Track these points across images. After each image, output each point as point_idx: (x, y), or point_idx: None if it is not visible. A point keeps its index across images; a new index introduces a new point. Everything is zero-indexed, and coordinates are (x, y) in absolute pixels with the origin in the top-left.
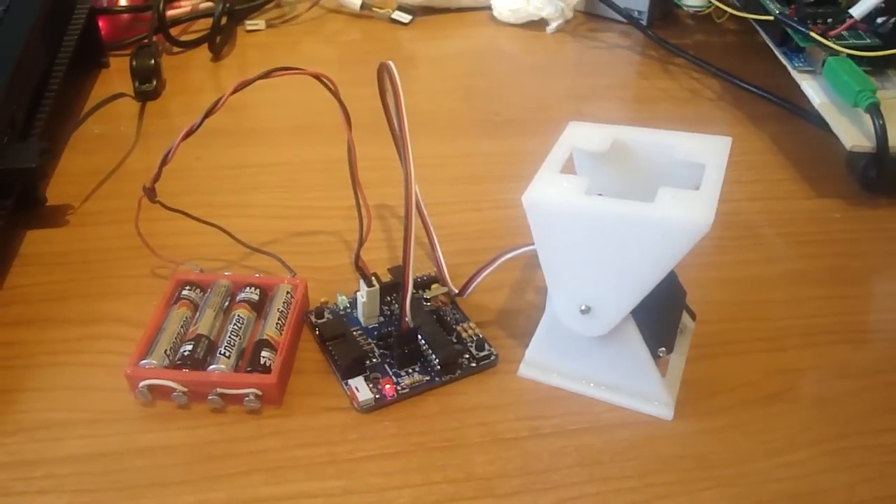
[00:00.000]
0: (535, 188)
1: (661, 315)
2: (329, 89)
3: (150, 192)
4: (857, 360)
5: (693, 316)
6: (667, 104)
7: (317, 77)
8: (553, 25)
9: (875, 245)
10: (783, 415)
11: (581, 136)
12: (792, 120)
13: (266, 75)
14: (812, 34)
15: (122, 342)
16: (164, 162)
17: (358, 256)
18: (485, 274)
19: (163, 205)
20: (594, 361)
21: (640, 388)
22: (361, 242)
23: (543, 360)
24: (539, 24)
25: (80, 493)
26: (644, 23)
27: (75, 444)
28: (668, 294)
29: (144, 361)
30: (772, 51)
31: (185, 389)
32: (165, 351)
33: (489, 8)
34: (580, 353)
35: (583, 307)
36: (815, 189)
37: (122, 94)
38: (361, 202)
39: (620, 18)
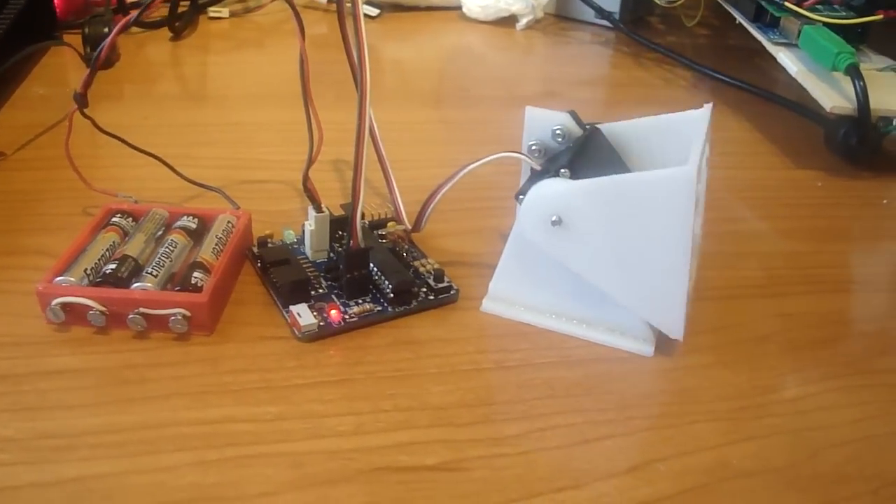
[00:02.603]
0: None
1: None
2: None
3: (81, 99)
4: (849, 307)
5: None
6: (640, 89)
7: None
8: (523, 22)
9: (859, 210)
10: (775, 355)
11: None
12: (768, 106)
13: None
14: (787, 4)
15: (40, 272)
16: (97, 61)
17: (306, 177)
18: (444, 189)
19: (95, 123)
20: (566, 291)
21: (617, 321)
22: (311, 161)
23: (509, 293)
24: (509, 22)
25: None
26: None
27: None
28: None
29: (60, 279)
30: (745, 51)
31: (104, 309)
32: (86, 270)
33: (459, 8)
34: (549, 282)
35: (554, 217)
36: (795, 162)
37: (61, 42)
38: (313, 118)
39: (592, 20)
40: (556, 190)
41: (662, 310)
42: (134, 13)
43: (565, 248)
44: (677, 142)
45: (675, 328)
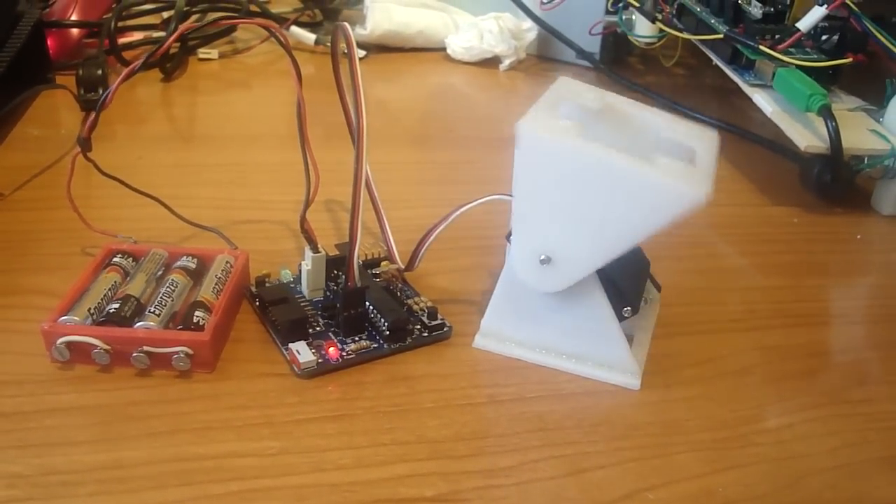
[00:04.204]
0: (533, 119)
1: (625, 275)
2: (278, 41)
3: (85, 143)
4: (826, 340)
5: (658, 287)
6: None
7: (265, 27)
8: (506, 63)
9: (834, 245)
10: (756, 386)
11: (573, 90)
12: (745, 144)
13: (216, 22)
14: (761, 47)
15: (42, 311)
16: (102, 106)
17: (304, 219)
18: (438, 230)
19: (97, 166)
20: (555, 327)
21: (605, 355)
22: (308, 203)
23: (500, 329)
24: (493, 63)
25: None
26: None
27: None
28: (632, 258)
29: (64, 318)
30: (721, 91)
31: (108, 347)
32: (89, 310)
33: (443, 49)
34: (540, 319)
35: (542, 257)
36: (772, 199)
37: (57, 85)
38: (310, 161)
39: (573, 61)
40: (545, 232)
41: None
42: (138, 62)
43: (559, 280)
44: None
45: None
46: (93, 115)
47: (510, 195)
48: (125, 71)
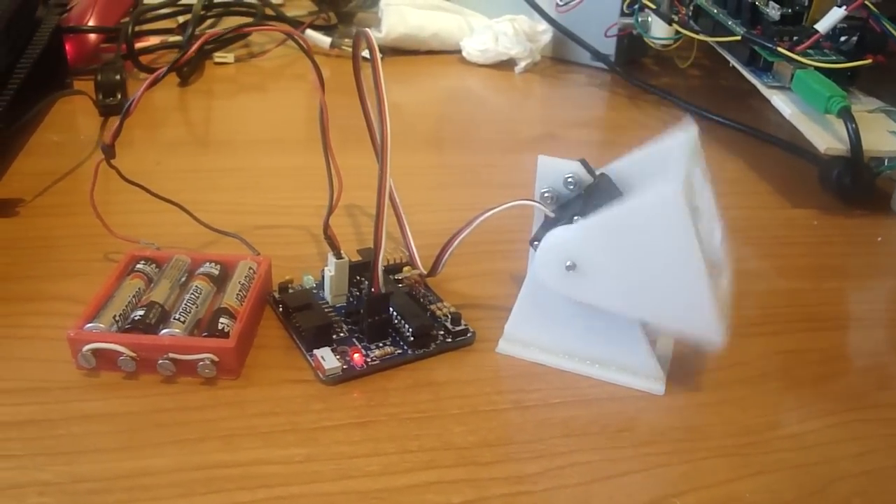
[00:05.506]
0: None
1: None
2: (300, 47)
3: (109, 150)
4: (848, 343)
5: None
6: (637, 131)
7: (287, 33)
8: (522, 65)
9: (854, 247)
10: (780, 391)
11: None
12: (762, 146)
13: (238, 29)
14: (779, 49)
15: (66, 318)
16: (127, 114)
17: (327, 224)
18: (462, 235)
19: (120, 173)
20: (579, 333)
21: (629, 361)
22: (331, 209)
23: (524, 335)
24: (508, 65)
25: (5, 458)
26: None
27: (2, 412)
28: None
29: (90, 325)
30: (737, 92)
31: (134, 354)
32: (115, 317)
33: (458, 52)
34: (563, 324)
35: (568, 262)
36: (791, 201)
37: (76, 91)
38: (332, 167)
39: (588, 63)
40: (565, 236)
41: (696, 320)
42: (163, 70)
43: (583, 290)
44: (672, 164)
45: (712, 335)
46: (117, 123)
47: (536, 200)
48: (150, 78)
